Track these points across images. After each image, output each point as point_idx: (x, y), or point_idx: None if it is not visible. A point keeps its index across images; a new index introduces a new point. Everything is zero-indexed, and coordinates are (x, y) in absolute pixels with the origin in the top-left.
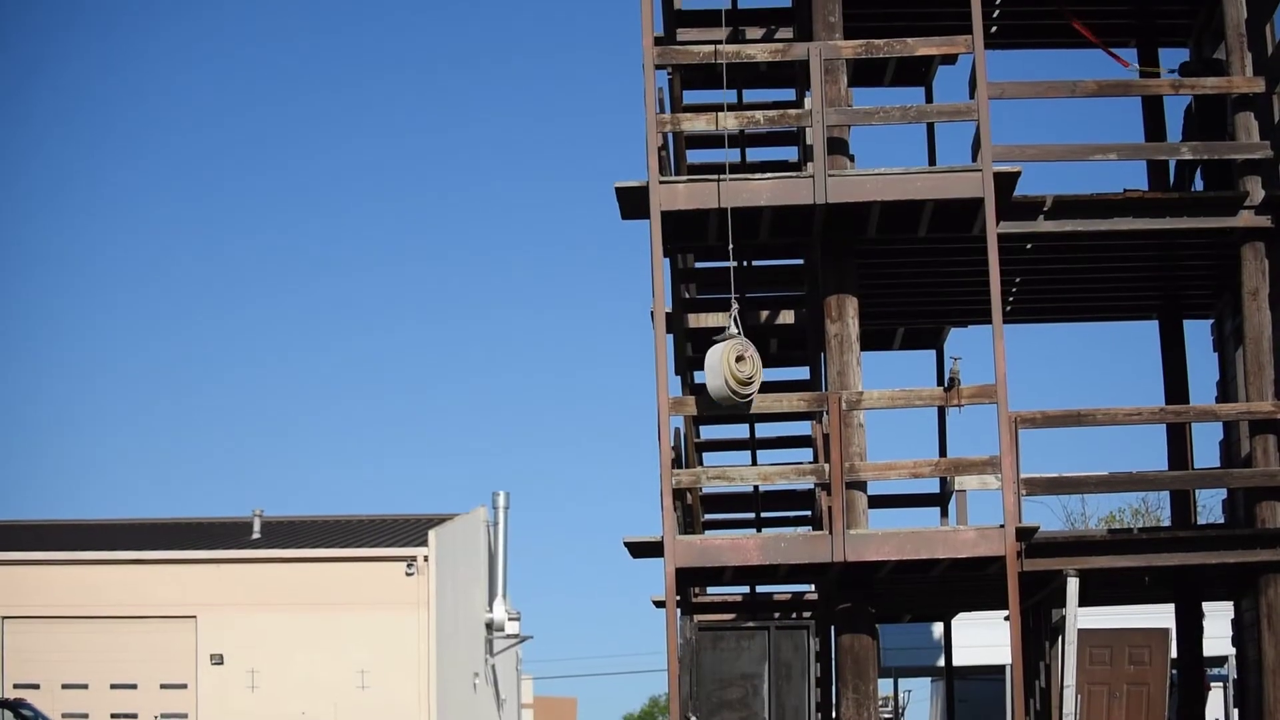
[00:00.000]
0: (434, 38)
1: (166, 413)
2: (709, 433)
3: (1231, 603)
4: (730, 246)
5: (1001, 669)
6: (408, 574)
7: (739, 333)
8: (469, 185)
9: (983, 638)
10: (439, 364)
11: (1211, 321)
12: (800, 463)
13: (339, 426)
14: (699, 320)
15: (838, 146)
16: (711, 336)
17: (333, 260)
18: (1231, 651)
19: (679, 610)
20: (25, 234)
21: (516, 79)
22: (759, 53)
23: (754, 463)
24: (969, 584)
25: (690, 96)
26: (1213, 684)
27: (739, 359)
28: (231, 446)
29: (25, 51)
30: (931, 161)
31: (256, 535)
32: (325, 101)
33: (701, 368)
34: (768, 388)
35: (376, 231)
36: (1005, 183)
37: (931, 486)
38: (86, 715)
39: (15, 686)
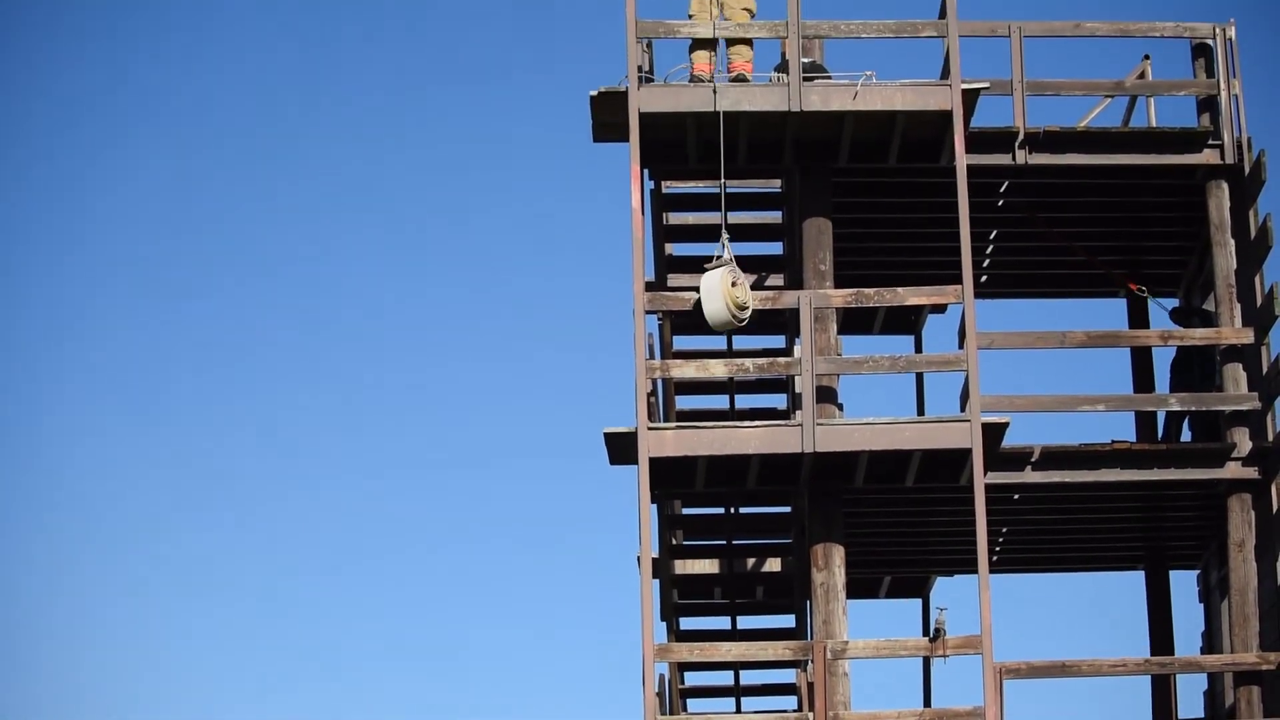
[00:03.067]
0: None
1: None
2: (692, 679)
3: None
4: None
5: None
6: None
7: (730, 259)
8: (458, 423)
9: None
10: (420, 606)
11: (1198, 572)
12: (784, 711)
13: None
14: (685, 567)
15: (826, 395)
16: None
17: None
18: None
19: None
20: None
21: (504, 326)
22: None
23: (738, 710)
24: None
25: (680, 341)
26: None
27: (734, 284)
28: None
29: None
30: (920, 409)
31: None
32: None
33: (683, 610)
34: (753, 636)
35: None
36: (994, 433)
37: None
38: None
39: None
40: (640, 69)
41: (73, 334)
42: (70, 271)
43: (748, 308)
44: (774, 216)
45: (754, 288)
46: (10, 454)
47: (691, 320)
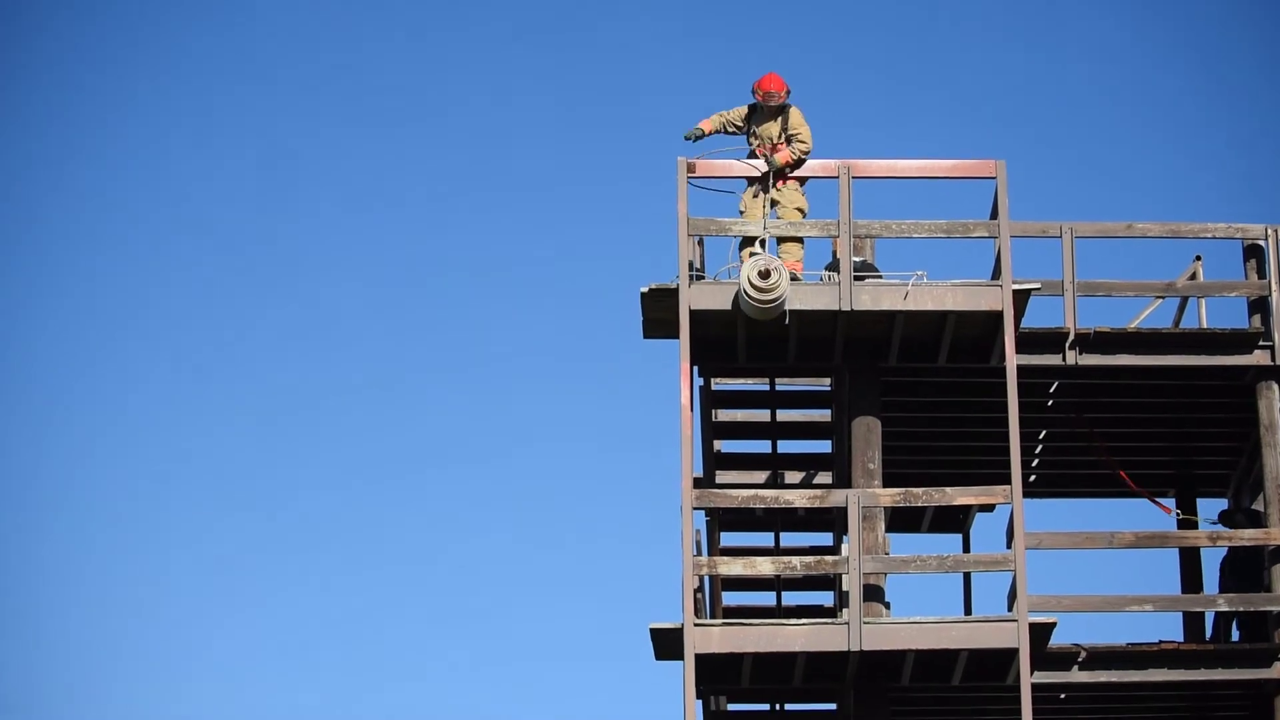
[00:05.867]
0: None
1: None
2: None
3: None
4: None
5: None
6: None
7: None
8: (504, 617)
9: None
10: None
11: None
12: None
13: None
14: None
15: (873, 593)
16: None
17: None
18: None
19: None
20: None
21: (552, 520)
22: (797, 498)
23: None
24: None
25: (728, 538)
26: None
27: (764, 274)
28: None
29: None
30: (967, 608)
31: None
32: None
33: None
34: None
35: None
36: (1040, 634)
37: None
38: None
39: None
40: (691, 265)
41: (77, 333)
42: (69, 271)
43: (772, 293)
44: (823, 414)
45: (801, 485)
46: (10, 453)
47: (736, 518)
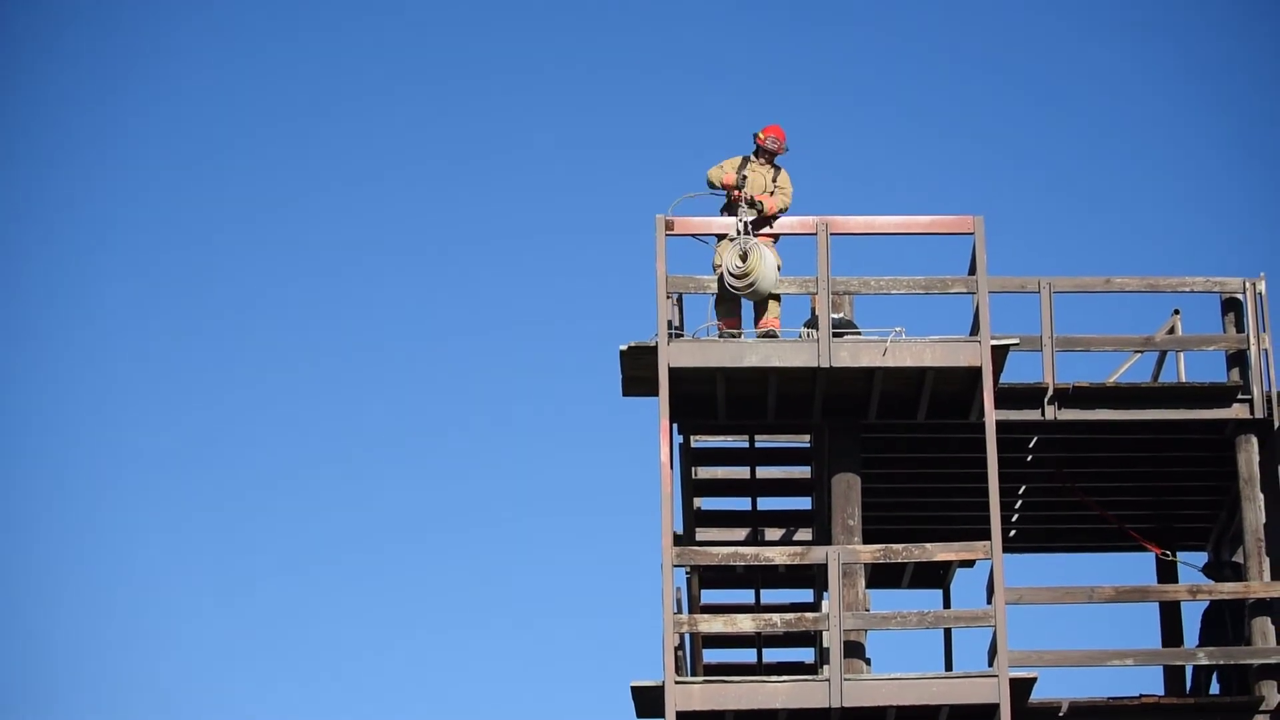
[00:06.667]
0: None
1: None
2: None
3: None
4: None
5: None
6: None
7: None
8: (481, 682)
9: None
10: None
11: None
12: None
13: None
14: None
15: (854, 649)
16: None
17: None
18: None
19: None
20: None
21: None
22: (778, 555)
23: None
24: None
25: (708, 595)
26: None
27: (743, 256)
28: None
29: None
30: (948, 663)
31: None
32: None
33: None
34: None
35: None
36: (1021, 689)
37: None
38: None
39: None
40: (670, 323)
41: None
42: (70, 271)
43: (746, 276)
44: (803, 471)
45: (782, 542)
46: (11, 453)
47: (717, 575)
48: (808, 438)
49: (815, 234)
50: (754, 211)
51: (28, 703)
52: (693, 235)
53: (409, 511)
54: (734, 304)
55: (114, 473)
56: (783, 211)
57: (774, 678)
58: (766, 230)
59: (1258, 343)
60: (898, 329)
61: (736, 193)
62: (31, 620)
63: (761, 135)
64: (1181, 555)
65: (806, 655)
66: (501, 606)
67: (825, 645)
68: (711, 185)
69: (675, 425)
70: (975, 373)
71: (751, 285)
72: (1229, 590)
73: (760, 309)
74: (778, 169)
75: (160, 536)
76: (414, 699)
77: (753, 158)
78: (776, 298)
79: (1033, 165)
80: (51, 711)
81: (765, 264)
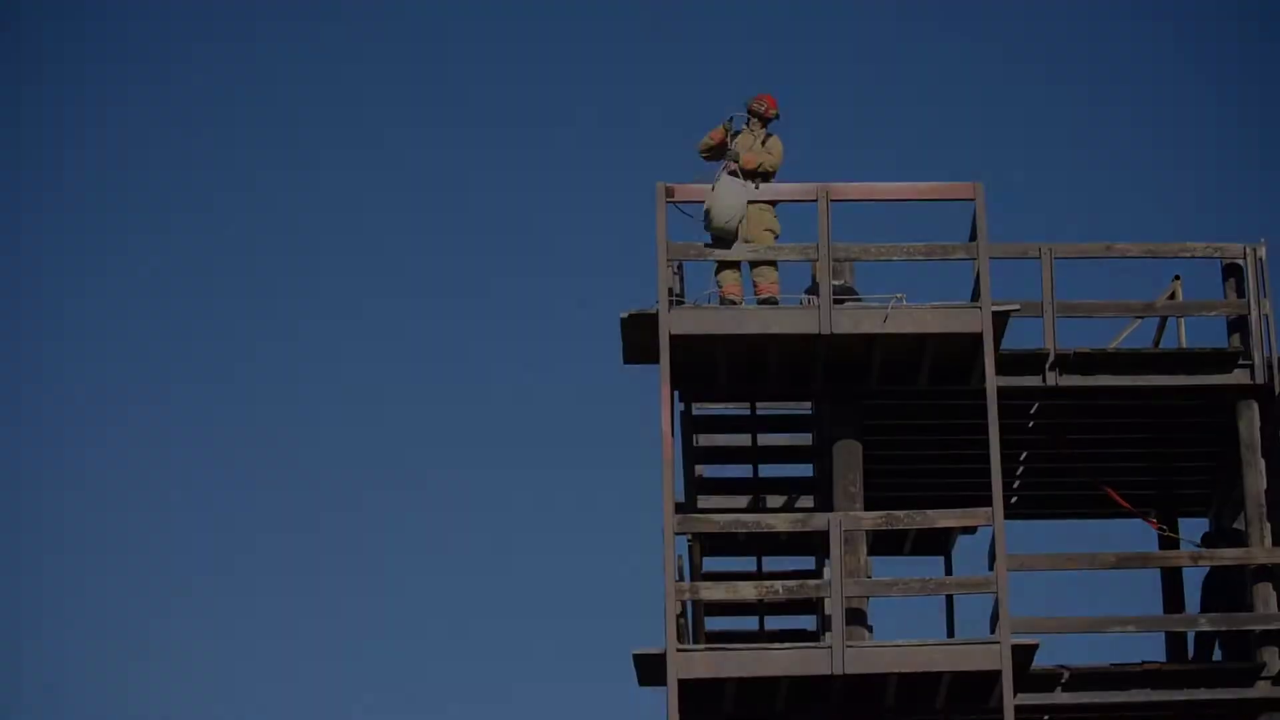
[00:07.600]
0: None
1: None
2: None
3: None
4: None
5: None
6: None
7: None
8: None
9: None
10: None
11: None
12: None
13: None
14: None
15: (856, 616)
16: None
17: None
18: None
19: None
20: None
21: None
22: (779, 523)
23: None
24: None
25: (710, 563)
26: None
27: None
28: None
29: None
30: (950, 630)
31: None
32: None
33: None
34: None
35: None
36: (1023, 655)
37: None
38: None
39: None
40: (671, 291)
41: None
42: (70, 269)
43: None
44: (804, 438)
45: (783, 509)
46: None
47: (719, 543)
48: (809, 404)
49: (815, 200)
50: (733, 163)
51: (28, 702)
52: (678, 205)
53: (409, 460)
54: (735, 271)
55: (114, 472)
56: (767, 171)
57: (776, 645)
58: (766, 197)
59: (1258, 308)
60: (899, 295)
61: (725, 142)
62: (32, 620)
63: (757, 105)
64: (1183, 521)
65: (808, 623)
66: (503, 575)
67: (827, 612)
68: (702, 153)
69: (676, 392)
70: (976, 339)
71: (709, 220)
72: (1231, 556)
73: (755, 276)
74: (769, 135)
75: (160, 536)
76: (415, 672)
77: (745, 125)
78: (773, 263)
79: (1033, 131)
80: (52, 711)
81: (721, 196)
